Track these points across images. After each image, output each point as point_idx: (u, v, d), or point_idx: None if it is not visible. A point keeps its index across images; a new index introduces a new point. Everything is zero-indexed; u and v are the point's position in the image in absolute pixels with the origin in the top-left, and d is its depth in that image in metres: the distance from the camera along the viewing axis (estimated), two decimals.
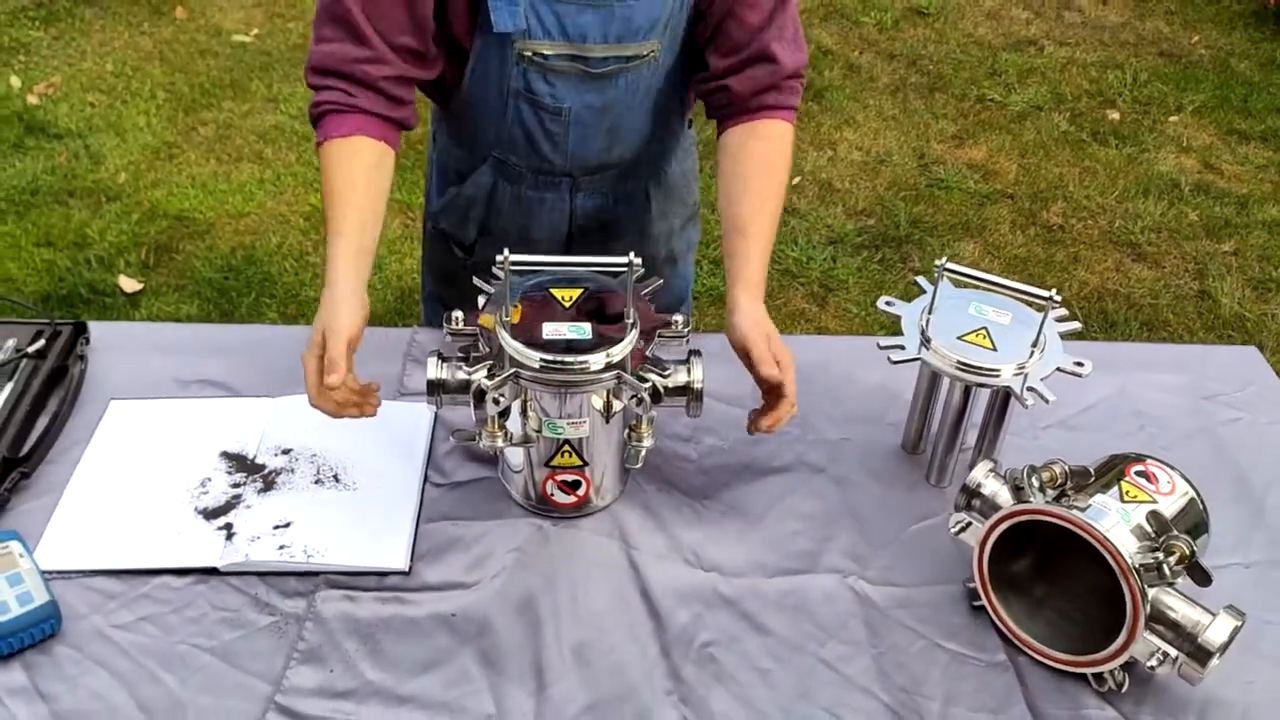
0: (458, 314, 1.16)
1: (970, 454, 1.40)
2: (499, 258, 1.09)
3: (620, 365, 1.10)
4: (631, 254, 1.09)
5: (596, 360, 1.09)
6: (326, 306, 1.19)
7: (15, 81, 3.82)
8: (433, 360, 1.16)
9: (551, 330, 1.12)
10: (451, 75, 1.41)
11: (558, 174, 1.50)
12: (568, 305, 1.16)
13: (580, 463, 1.19)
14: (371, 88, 1.30)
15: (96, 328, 1.50)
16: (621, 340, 1.11)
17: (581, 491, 1.22)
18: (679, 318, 1.17)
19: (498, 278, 1.16)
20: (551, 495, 1.22)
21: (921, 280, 1.39)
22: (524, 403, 1.14)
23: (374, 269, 2.99)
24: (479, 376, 1.11)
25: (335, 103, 1.29)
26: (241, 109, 3.76)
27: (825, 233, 3.30)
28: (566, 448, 1.17)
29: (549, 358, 1.09)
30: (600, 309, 1.17)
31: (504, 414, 1.15)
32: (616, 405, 1.13)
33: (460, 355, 1.16)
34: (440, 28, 1.33)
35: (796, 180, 3.54)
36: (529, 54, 1.34)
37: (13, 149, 3.46)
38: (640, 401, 1.10)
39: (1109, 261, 3.28)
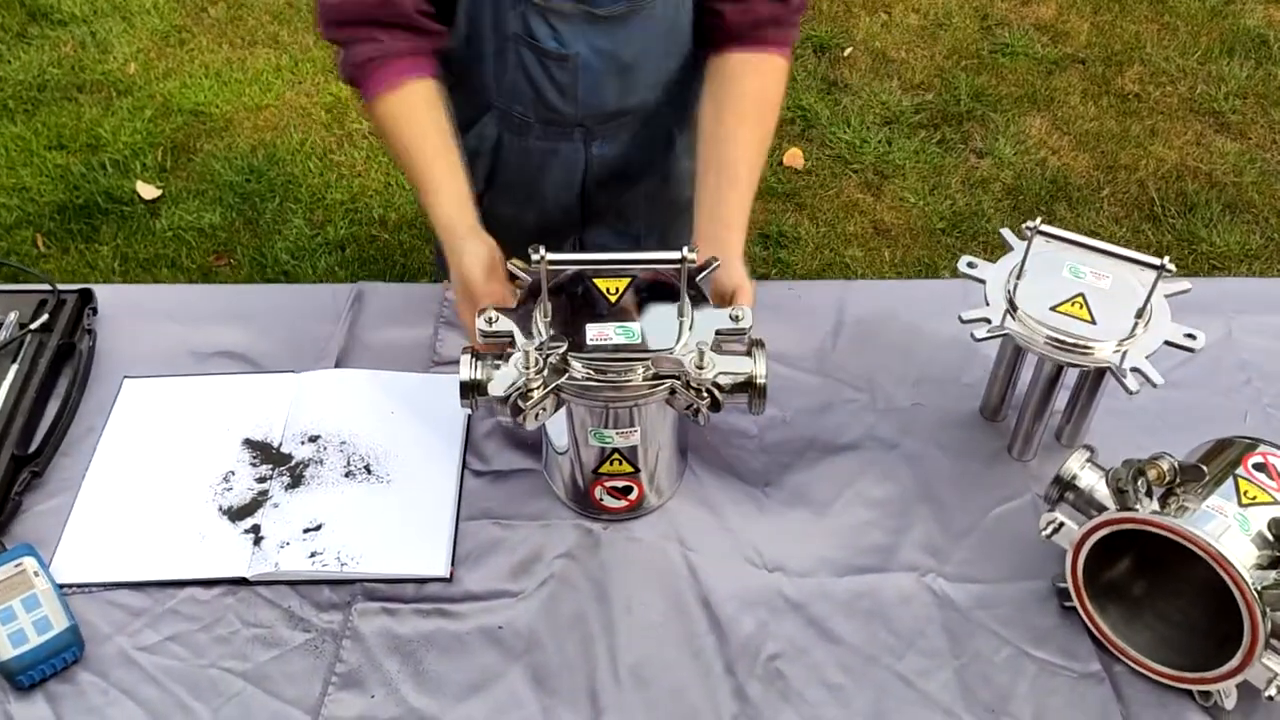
0: (492, 314, 1.03)
1: (1057, 420, 1.27)
2: (534, 256, 0.96)
3: (674, 375, 0.97)
4: (686, 249, 0.95)
5: (648, 371, 0.97)
6: (460, 267, 1.14)
7: None
8: (466, 358, 1.03)
9: (596, 333, 0.99)
10: (444, 13, 1.24)
11: (569, 124, 1.34)
12: (613, 299, 1.02)
13: (631, 470, 1.08)
14: (397, 25, 1.19)
15: (103, 292, 1.39)
16: (675, 346, 0.98)
17: (633, 496, 1.11)
18: (739, 311, 1.03)
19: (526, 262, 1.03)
20: (601, 500, 1.12)
21: (1008, 233, 1.23)
22: (569, 410, 1.03)
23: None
24: (515, 383, 0.99)
25: (371, 56, 1.21)
26: None
27: (880, 111, 3.07)
28: (616, 456, 1.06)
29: (593, 370, 0.97)
30: (648, 296, 1.04)
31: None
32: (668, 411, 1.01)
33: (497, 355, 1.04)
34: None
35: (848, 51, 3.28)
36: None
37: (16, 39, 3.28)
38: (697, 413, 0.98)
39: (1189, 134, 3.03)
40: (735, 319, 1.02)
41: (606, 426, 1.03)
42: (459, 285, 1.15)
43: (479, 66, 1.30)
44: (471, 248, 1.14)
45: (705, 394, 0.97)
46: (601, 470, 1.07)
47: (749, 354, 1.04)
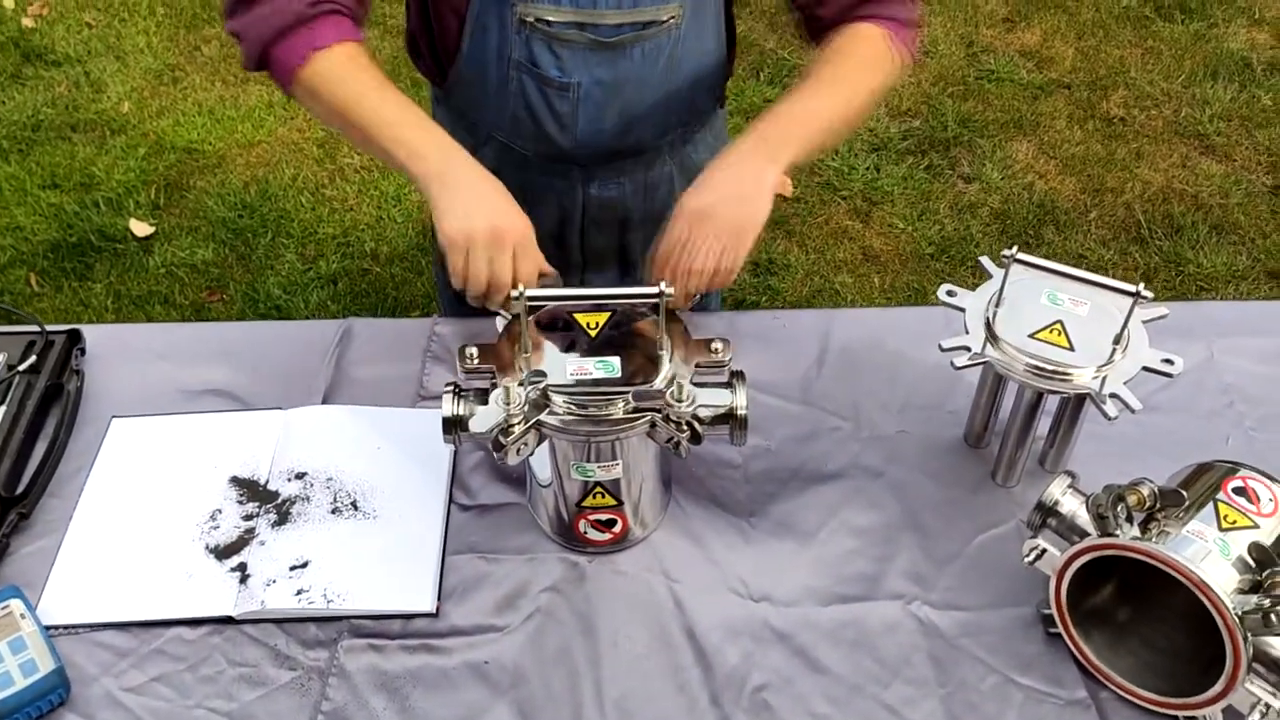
0: (472, 350, 1.04)
1: (1041, 446, 1.28)
2: (514, 293, 0.97)
3: (654, 408, 0.98)
4: (663, 284, 0.96)
5: (627, 405, 0.98)
6: (484, 200, 1.10)
7: (8, 2, 3.64)
8: (448, 396, 1.04)
9: (576, 368, 1.00)
10: (450, 42, 1.26)
11: (566, 161, 1.35)
12: (594, 333, 1.03)
13: (614, 503, 1.08)
14: None
15: (91, 332, 1.39)
16: (654, 378, 0.99)
17: (617, 529, 1.12)
18: (719, 344, 1.04)
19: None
20: (585, 534, 1.12)
21: (986, 261, 1.24)
22: (551, 444, 1.04)
23: (394, 202, 2.84)
24: (496, 419, 1.00)
25: (300, 16, 1.14)
26: None
27: (867, 138, 3.09)
28: (599, 489, 1.06)
29: (573, 405, 0.97)
30: (629, 332, 1.05)
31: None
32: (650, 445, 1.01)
33: (479, 390, 1.05)
34: None
35: None
36: (530, 19, 1.18)
37: (11, 80, 3.31)
38: (678, 446, 0.99)
39: (1174, 156, 3.05)
40: (714, 351, 1.03)
41: (588, 460, 1.04)
42: (490, 224, 1.08)
43: (481, 95, 1.31)
44: (485, 176, 1.12)
45: (685, 427, 0.98)
46: (584, 504, 1.08)
47: (729, 386, 1.04)
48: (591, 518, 1.10)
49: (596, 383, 0.99)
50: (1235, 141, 3.11)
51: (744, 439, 1.05)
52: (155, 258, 2.71)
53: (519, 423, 0.97)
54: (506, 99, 1.29)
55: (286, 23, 1.14)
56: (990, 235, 2.81)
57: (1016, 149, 3.07)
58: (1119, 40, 3.49)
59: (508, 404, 0.96)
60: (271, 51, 1.16)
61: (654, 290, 0.96)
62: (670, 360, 1.01)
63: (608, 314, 1.04)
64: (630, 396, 0.98)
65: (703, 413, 1.00)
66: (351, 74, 1.14)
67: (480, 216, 1.08)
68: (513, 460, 1.00)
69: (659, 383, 1.00)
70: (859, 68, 1.25)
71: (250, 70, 1.20)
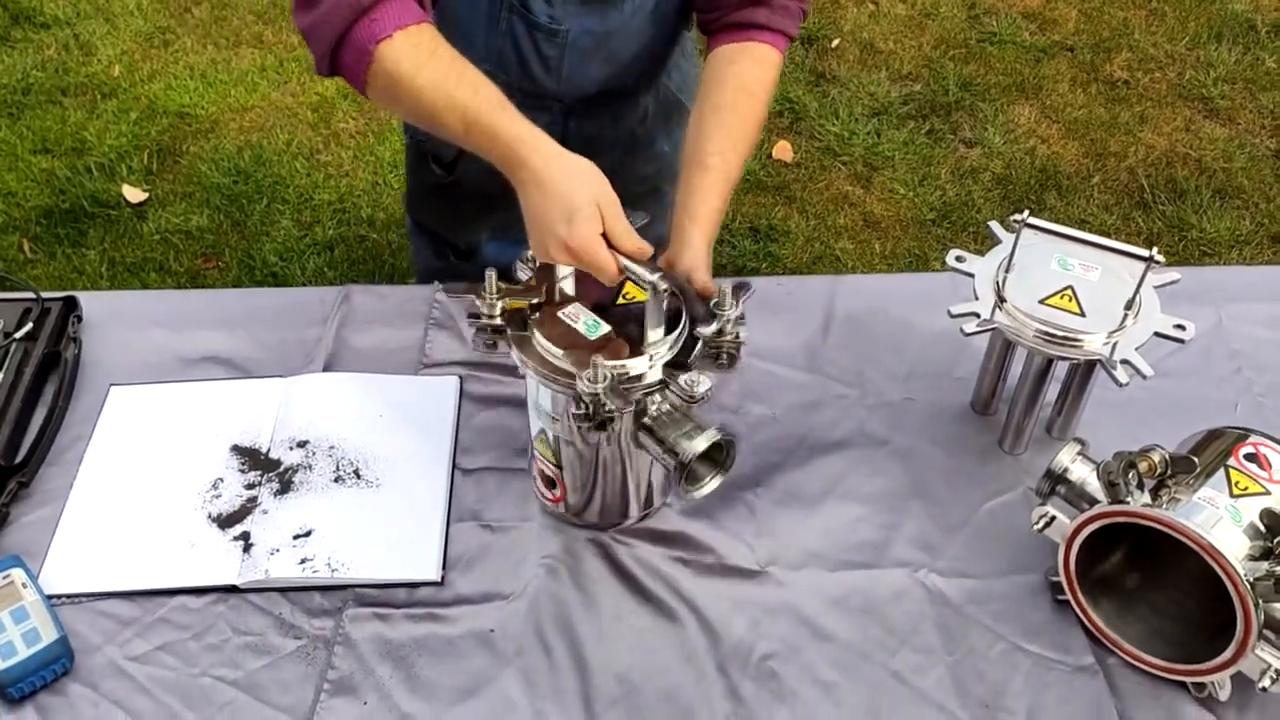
0: (529, 253, 1.05)
1: (1049, 413, 1.27)
2: (520, 260, 0.95)
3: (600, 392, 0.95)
4: (661, 268, 0.95)
5: (586, 373, 0.96)
6: (572, 178, 1.01)
7: None
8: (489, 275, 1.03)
9: (570, 313, 0.99)
10: None
11: (548, 98, 1.35)
12: (623, 301, 1.03)
13: (554, 461, 1.07)
14: None
15: (88, 299, 1.37)
16: (617, 360, 0.98)
17: (556, 494, 1.11)
18: (692, 377, 1.00)
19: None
20: (535, 484, 1.13)
21: (996, 226, 1.23)
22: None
23: (390, 167, 2.78)
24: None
25: (363, 6, 1.03)
26: None
27: (868, 102, 3.06)
28: (543, 435, 1.06)
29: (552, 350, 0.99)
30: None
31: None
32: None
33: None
34: None
35: (836, 42, 3.27)
36: None
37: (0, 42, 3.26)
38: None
39: (1178, 120, 3.02)
40: (689, 384, 0.98)
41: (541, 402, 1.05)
42: (587, 205, 0.99)
43: (470, 26, 1.29)
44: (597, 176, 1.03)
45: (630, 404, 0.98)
46: (536, 445, 1.09)
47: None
48: (539, 467, 1.10)
49: (572, 333, 0.99)
50: (1239, 105, 3.08)
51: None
52: (149, 224, 2.68)
53: (498, 316, 1.01)
54: (495, 36, 1.28)
55: (351, 15, 1.03)
56: (992, 201, 2.78)
57: (1019, 113, 3.04)
58: (1122, 1, 3.45)
59: (488, 293, 1.01)
60: (340, 51, 1.06)
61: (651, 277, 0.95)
62: (654, 354, 1.00)
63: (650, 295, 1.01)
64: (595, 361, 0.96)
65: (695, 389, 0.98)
66: (421, 63, 1.04)
67: (553, 243, 0.99)
68: (477, 349, 1.03)
69: (637, 368, 0.99)
70: (752, 99, 1.23)
71: (323, 74, 1.10)
